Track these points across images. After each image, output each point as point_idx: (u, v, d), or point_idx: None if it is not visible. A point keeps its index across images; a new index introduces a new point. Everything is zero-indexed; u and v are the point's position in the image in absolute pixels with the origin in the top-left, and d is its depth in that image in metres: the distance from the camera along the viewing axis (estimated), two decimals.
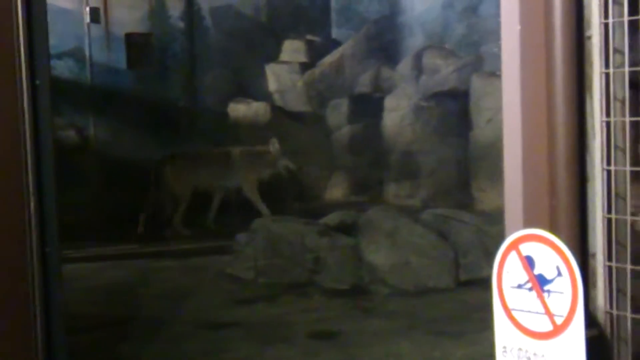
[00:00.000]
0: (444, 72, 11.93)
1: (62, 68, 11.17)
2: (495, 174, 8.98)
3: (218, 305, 6.60)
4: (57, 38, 10.43)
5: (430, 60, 12.31)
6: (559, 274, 2.53)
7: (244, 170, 10.41)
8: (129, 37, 11.80)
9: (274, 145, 10.46)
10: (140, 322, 6.21)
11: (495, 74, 9.78)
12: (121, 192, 10.44)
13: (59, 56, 10.96)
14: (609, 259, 2.88)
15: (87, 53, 11.35)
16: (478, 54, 11.89)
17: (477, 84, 10.90)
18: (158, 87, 12.02)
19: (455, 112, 11.14)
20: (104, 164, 11.09)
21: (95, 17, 11.44)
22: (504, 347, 2.66)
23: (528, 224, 2.83)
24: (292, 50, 13.36)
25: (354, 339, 5.43)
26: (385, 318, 6.01)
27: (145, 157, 10.75)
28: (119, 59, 11.69)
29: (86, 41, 11.35)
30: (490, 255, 6.54)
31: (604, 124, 2.88)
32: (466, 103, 10.95)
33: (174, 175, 10.19)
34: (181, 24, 12.47)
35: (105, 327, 6.03)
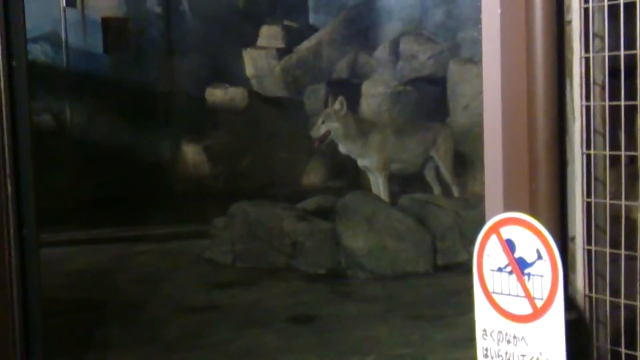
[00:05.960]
0: (421, 58, 11.93)
1: (37, 52, 11.07)
2: (471, 159, 9.03)
3: (195, 289, 6.58)
4: (33, 22, 10.27)
5: (408, 46, 12.29)
6: (539, 257, 2.54)
7: None
8: (105, 21, 11.73)
9: None
10: (116, 306, 6.18)
11: (472, 61, 9.79)
12: (97, 176, 10.39)
13: (35, 40, 10.85)
14: (589, 242, 2.90)
15: (63, 37, 11.25)
16: (455, 40, 11.90)
17: (454, 70, 10.90)
18: (134, 71, 11.93)
19: (432, 98, 11.16)
20: (79, 148, 11.00)
21: (71, 0, 11.36)
22: (484, 330, 2.67)
23: (508, 207, 2.85)
24: (270, 35, 13.30)
25: (332, 323, 5.44)
26: (363, 302, 6.02)
27: (120, 142, 10.69)
28: (96, 43, 11.61)
29: (62, 25, 11.24)
30: (466, 240, 6.58)
31: (584, 108, 2.89)
32: (443, 89, 10.97)
33: None
34: (158, 9, 12.39)
35: (80, 312, 5.99)
